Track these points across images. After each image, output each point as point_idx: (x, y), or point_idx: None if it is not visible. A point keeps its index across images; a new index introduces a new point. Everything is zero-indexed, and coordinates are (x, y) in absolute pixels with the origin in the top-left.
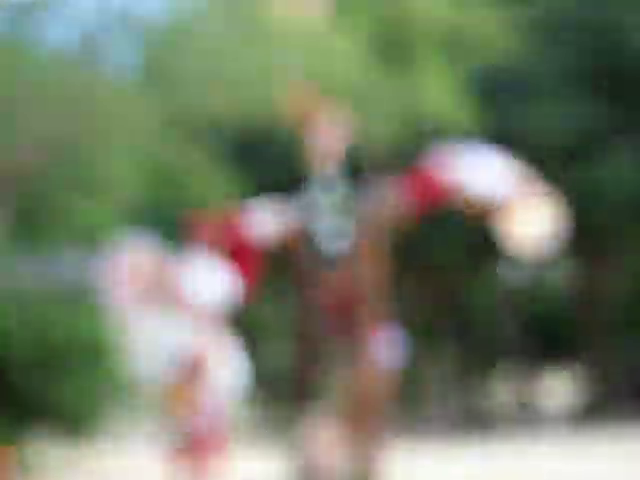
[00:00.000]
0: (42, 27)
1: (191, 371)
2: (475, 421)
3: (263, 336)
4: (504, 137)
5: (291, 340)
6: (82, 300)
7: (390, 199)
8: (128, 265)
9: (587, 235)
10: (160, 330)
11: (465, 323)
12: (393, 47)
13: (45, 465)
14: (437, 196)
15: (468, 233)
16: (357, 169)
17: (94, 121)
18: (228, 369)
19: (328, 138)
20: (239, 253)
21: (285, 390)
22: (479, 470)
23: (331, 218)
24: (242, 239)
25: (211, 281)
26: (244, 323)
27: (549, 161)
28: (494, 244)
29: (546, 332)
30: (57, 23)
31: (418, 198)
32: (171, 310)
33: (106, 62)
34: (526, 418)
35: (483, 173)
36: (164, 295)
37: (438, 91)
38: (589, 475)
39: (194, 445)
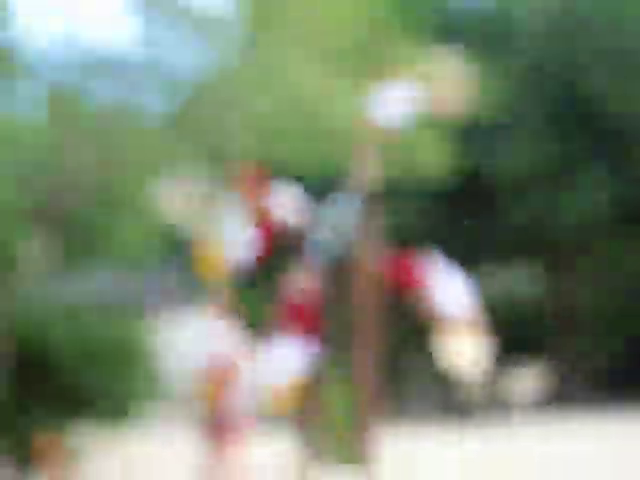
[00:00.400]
0: (91, 80)
1: (221, 368)
2: (454, 411)
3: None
4: (484, 170)
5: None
6: (121, 306)
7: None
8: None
9: (557, 251)
10: (194, 331)
11: None
12: None
13: (86, 451)
14: (407, 288)
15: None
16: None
17: (130, 157)
18: (250, 365)
19: (368, 166)
20: (262, 223)
21: None
22: (474, 453)
23: (328, 233)
24: (267, 212)
25: (237, 232)
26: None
27: (524, 188)
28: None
29: (517, 335)
30: (102, 76)
31: (392, 280)
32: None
33: (141, 109)
34: (502, 408)
35: (450, 291)
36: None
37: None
38: (576, 455)
39: (220, 433)
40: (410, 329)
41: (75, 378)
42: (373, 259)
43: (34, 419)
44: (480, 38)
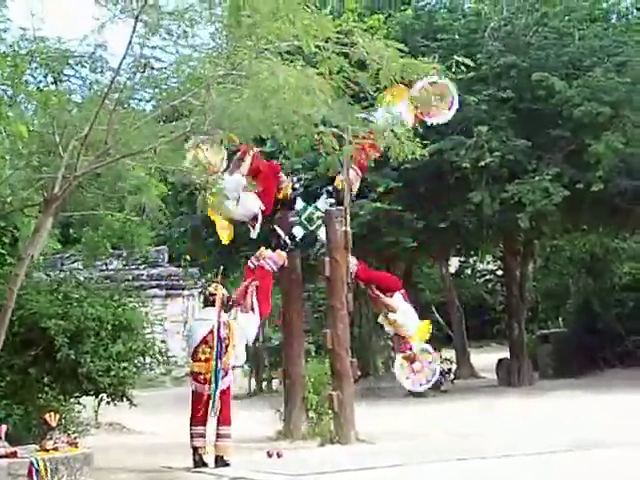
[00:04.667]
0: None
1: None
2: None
3: None
4: (451, 166)
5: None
6: (114, 290)
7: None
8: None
9: (516, 238)
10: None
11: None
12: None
13: (79, 423)
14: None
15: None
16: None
17: (123, 146)
18: (239, 348)
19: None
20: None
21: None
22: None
23: (303, 224)
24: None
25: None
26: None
27: (487, 180)
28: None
29: (480, 317)
30: (95, 69)
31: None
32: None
33: (130, 100)
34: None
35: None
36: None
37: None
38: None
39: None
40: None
41: (74, 357)
42: (344, 251)
43: (44, 395)
44: (453, 39)
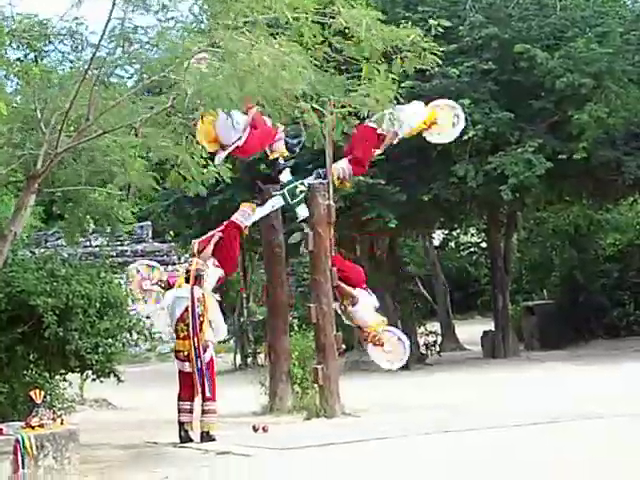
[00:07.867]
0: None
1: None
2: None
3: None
4: None
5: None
6: (99, 267)
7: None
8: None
9: (499, 210)
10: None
11: (403, 284)
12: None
13: (65, 399)
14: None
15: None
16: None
17: (104, 122)
18: (218, 322)
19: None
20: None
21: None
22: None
23: (284, 196)
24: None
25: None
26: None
27: (470, 153)
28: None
29: (465, 290)
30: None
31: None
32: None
33: (112, 75)
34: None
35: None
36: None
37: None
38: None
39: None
40: None
41: (63, 334)
42: (327, 225)
43: (29, 372)
44: (434, 11)
